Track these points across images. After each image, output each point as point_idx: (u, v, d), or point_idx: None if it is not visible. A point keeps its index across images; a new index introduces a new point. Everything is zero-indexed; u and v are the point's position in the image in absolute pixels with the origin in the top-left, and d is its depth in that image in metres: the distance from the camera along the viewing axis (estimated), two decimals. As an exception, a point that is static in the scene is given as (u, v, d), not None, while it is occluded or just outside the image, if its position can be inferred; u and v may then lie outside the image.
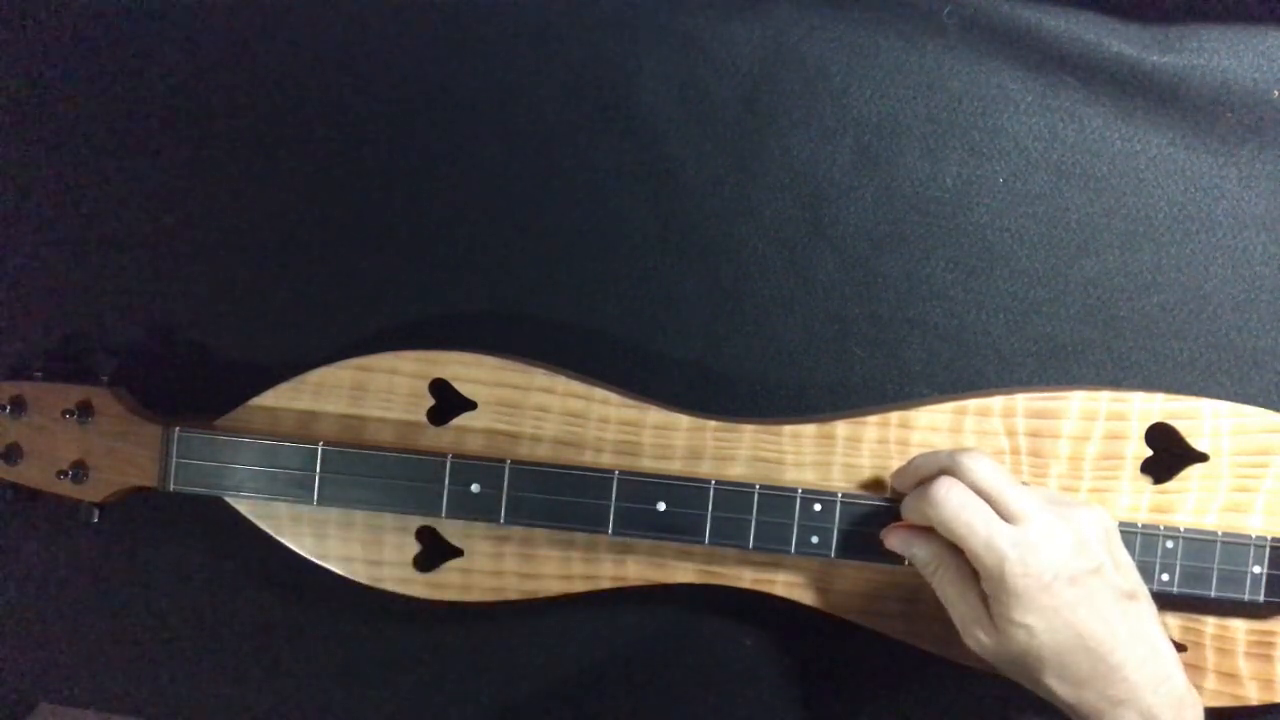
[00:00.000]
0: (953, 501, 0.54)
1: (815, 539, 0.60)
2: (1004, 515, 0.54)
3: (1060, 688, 0.53)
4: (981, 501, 0.54)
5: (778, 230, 0.68)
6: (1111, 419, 0.61)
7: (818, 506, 0.60)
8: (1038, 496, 0.55)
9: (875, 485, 0.62)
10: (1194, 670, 0.62)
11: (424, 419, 0.62)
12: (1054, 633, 0.52)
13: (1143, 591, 0.55)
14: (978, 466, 0.55)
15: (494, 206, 0.69)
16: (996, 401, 0.62)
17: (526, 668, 0.70)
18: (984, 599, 0.54)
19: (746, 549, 0.60)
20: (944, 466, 0.56)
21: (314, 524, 0.63)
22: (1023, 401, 0.61)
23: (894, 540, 0.58)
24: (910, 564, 0.59)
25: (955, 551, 0.55)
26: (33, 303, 0.70)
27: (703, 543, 0.60)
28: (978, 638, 0.55)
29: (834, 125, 0.67)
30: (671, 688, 0.70)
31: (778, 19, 0.67)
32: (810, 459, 0.62)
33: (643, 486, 0.60)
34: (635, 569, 0.63)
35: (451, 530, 0.63)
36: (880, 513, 0.60)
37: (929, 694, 0.68)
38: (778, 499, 0.60)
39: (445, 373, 0.62)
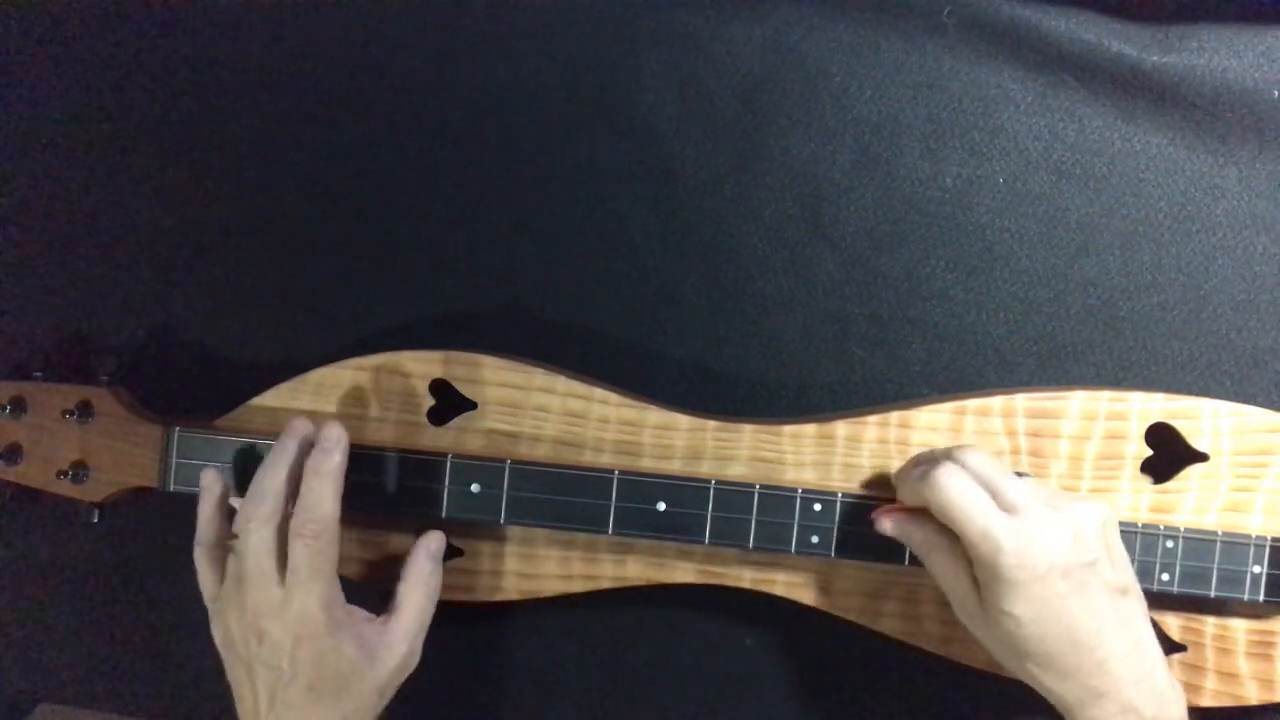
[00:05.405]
0: (953, 487, 0.54)
1: (815, 539, 0.60)
2: (1002, 506, 0.54)
3: (1043, 676, 0.54)
4: (982, 490, 0.54)
5: (778, 230, 0.68)
6: (1111, 419, 0.61)
7: (818, 506, 0.60)
8: (1035, 490, 0.55)
9: (875, 485, 0.62)
10: (1194, 670, 0.63)
11: (424, 419, 0.62)
12: (1042, 623, 0.52)
13: (1135, 588, 0.55)
14: (975, 460, 0.55)
15: (494, 206, 0.69)
16: (996, 401, 0.62)
17: (526, 668, 0.70)
18: (976, 583, 0.54)
19: (746, 549, 0.60)
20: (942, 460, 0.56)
21: (314, 524, 0.63)
22: (1023, 401, 0.61)
23: (887, 523, 0.58)
24: (907, 563, 0.59)
25: (950, 535, 0.55)
26: (33, 303, 0.70)
27: (703, 543, 0.60)
28: (967, 618, 0.56)
29: (834, 125, 0.67)
30: (671, 688, 0.70)
31: (778, 19, 0.67)
32: (810, 459, 0.62)
33: (643, 486, 0.60)
34: (635, 569, 0.63)
35: (451, 530, 0.63)
36: (880, 513, 0.60)
37: (929, 694, 0.68)
38: (778, 499, 0.60)
39: (445, 373, 0.62)
